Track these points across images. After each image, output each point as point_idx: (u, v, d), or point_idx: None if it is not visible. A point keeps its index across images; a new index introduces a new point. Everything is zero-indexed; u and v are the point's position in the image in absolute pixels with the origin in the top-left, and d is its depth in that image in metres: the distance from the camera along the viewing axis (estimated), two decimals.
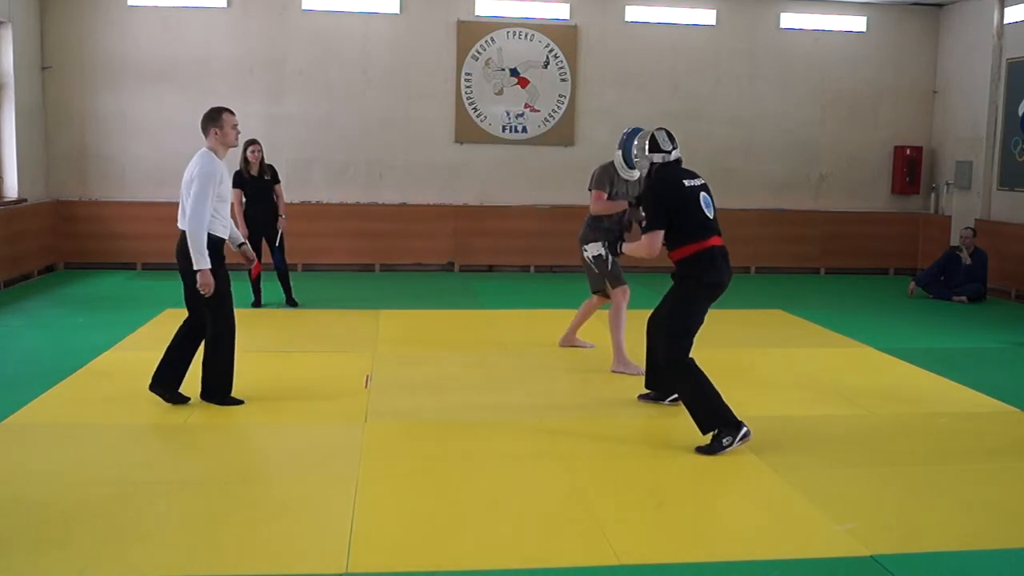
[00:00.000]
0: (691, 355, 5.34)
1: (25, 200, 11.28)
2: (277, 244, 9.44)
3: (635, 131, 6.90)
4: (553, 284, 11.72)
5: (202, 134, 5.89)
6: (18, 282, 10.90)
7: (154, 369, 5.92)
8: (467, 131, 12.68)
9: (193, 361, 6.04)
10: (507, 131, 12.76)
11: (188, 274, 5.82)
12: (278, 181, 9.47)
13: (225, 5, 12.15)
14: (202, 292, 5.72)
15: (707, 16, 12.93)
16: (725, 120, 12.83)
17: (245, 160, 9.29)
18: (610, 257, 6.87)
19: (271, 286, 9.65)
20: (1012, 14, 11.94)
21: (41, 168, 11.89)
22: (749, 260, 12.75)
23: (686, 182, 5.54)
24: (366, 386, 6.50)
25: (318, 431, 5.56)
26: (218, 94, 12.23)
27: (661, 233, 5.37)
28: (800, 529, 4.25)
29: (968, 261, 11.06)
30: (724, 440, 5.18)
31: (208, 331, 5.92)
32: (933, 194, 13.49)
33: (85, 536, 3.97)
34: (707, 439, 5.24)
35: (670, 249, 5.46)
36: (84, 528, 4.05)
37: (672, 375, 5.46)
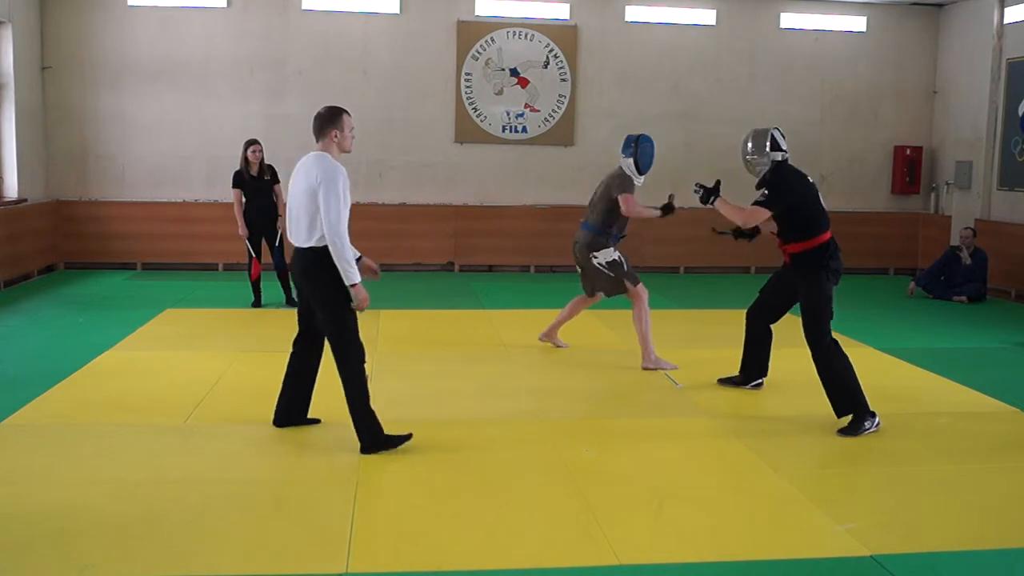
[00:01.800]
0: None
1: (25, 200, 11.28)
2: (277, 244, 9.46)
3: (644, 137, 7.13)
4: (553, 284, 11.71)
5: (315, 136, 5.12)
6: (18, 282, 10.90)
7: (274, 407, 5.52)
8: (467, 131, 12.68)
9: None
10: (507, 131, 12.76)
11: (319, 293, 5.08)
12: (277, 181, 9.49)
13: (225, 5, 12.15)
14: (357, 309, 5.08)
15: (707, 16, 12.94)
16: (725, 120, 12.83)
17: (245, 160, 9.31)
18: (624, 258, 7.07)
19: (271, 286, 9.65)
20: (1012, 14, 11.93)
21: (41, 168, 11.89)
22: (749, 260, 12.73)
23: (809, 178, 6.08)
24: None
25: (318, 431, 5.56)
26: (218, 94, 12.27)
27: (767, 214, 5.88)
28: (800, 529, 4.25)
29: (968, 261, 11.06)
30: (865, 423, 5.62)
31: (343, 369, 5.15)
32: (933, 194, 13.48)
33: (85, 536, 3.97)
34: (844, 422, 5.67)
35: (797, 241, 5.93)
36: (84, 528, 4.05)
37: (822, 359, 5.79)
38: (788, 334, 6.66)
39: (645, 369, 7.10)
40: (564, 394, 6.51)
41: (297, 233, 5.06)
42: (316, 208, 4.92)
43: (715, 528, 4.27)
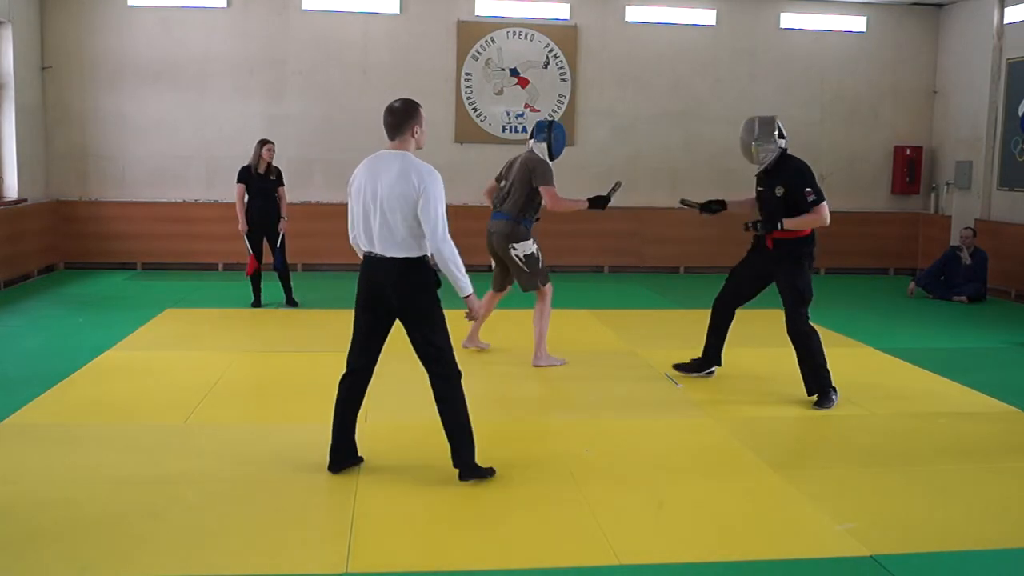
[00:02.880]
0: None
1: (25, 200, 11.28)
2: (279, 245, 9.48)
3: (557, 123, 7.09)
4: (553, 284, 11.70)
5: (391, 132, 4.66)
6: (18, 282, 10.90)
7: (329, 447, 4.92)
8: (467, 131, 12.68)
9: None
10: (507, 131, 12.76)
11: (422, 308, 4.63)
12: (282, 184, 9.54)
13: (225, 5, 12.15)
14: (471, 319, 4.88)
15: (707, 16, 12.93)
16: (725, 120, 12.79)
17: (258, 156, 9.34)
18: (540, 254, 7.06)
19: (271, 286, 9.66)
20: (1012, 14, 11.93)
21: (41, 168, 11.89)
22: None
23: None
24: None
25: (318, 431, 5.54)
26: (218, 94, 12.27)
27: (824, 205, 6.09)
28: (800, 529, 4.25)
29: (968, 261, 11.06)
30: (832, 396, 6.18)
31: (443, 387, 4.72)
32: (933, 194, 13.48)
33: (85, 536, 3.97)
34: (813, 399, 6.18)
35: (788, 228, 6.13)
36: (84, 528, 4.05)
37: (804, 339, 6.16)
38: (784, 333, 6.65)
39: (536, 367, 7.09)
40: (564, 394, 6.51)
41: (387, 242, 4.53)
42: (415, 215, 4.48)
43: (715, 528, 4.26)
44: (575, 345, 7.91)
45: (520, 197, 6.97)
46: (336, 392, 4.86)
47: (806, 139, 13.30)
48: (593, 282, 12.09)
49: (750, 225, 6.34)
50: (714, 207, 6.56)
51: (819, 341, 6.22)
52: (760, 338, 7.99)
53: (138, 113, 12.13)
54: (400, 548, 3.97)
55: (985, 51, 12.30)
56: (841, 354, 7.87)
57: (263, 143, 9.40)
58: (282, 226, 9.48)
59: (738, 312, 6.86)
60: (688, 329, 8.95)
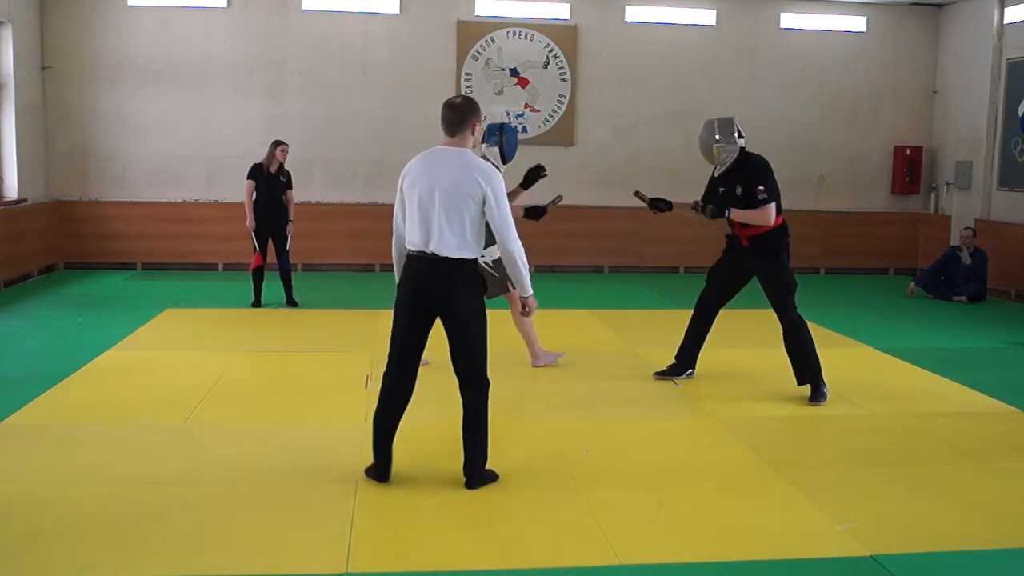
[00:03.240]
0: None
1: (25, 200, 11.28)
2: (286, 248, 9.56)
3: (508, 126, 6.96)
4: (553, 284, 11.71)
5: (450, 129, 4.54)
6: (18, 282, 10.90)
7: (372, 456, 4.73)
8: None
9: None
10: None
11: (472, 311, 4.49)
12: (291, 187, 9.59)
13: (225, 5, 12.15)
14: (527, 316, 4.88)
15: (707, 16, 12.94)
16: None
17: (272, 156, 9.39)
18: None
19: (271, 286, 9.66)
20: (1012, 14, 11.93)
21: (41, 168, 11.89)
22: None
23: None
24: (366, 386, 6.50)
25: (318, 431, 5.56)
26: (218, 94, 12.27)
27: (775, 207, 6.21)
28: (800, 529, 4.25)
29: (968, 261, 11.06)
30: (824, 389, 6.25)
31: (473, 397, 4.58)
32: (933, 194, 13.48)
33: (85, 536, 3.97)
34: (806, 394, 6.27)
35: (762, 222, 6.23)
36: (84, 528, 4.05)
37: (795, 330, 6.28)
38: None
39: (535, 367, 7.05)
40: (564, 394, 6.51)
41: (446, 242, 4.36)
42: (478, 215, 4.38)
43: (715, 528, 4.26)
44: (575, 345, 7.91)
45: None
46: (377, 403, 4.65)
47: (806, 139, 13.34)
48: (593, 282, 12.09)
49: (698, 206, 6.33)
50: (661, 206, 6.58)
51: (809, 331, 6.32)
52: (760, 338, 8.00)
53: (138, 113, 12.13)
54: (400, 548, 3.97)
55: (985, 51, 12.29)
56: (841, 354, 7.89)
57: (277, 144, 9.44)
58: (289, 229, 9.54)
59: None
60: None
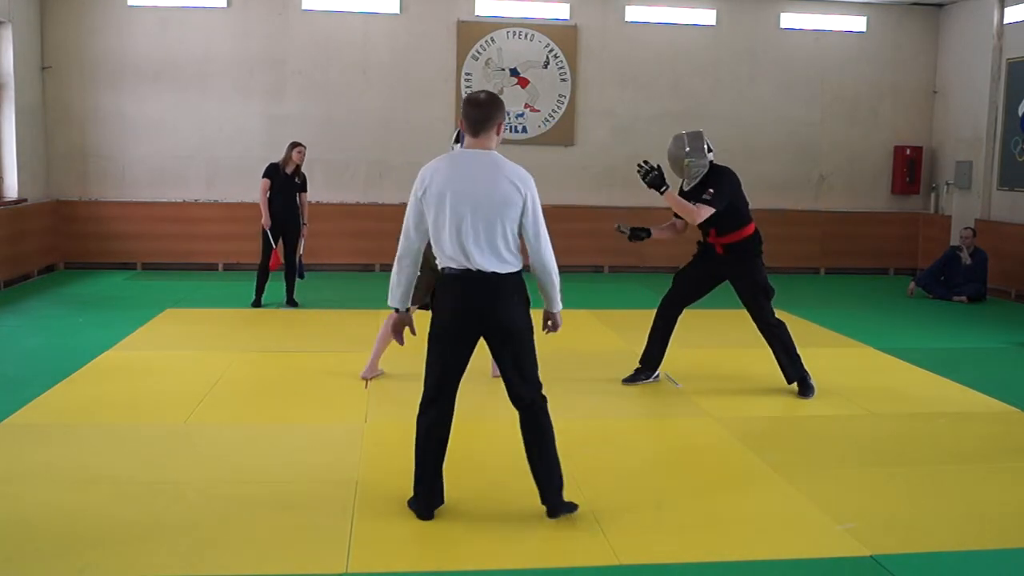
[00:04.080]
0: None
1: (25, 200, 11.28)
2: (300, 251, 9.61)
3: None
4: None
5: (475, 128, 4.08)
6: (18, 282, 10.90)
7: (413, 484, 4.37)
8: None
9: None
10: (507, 131, 12.71)
11: (521, 328, 4.17)
12: (305, 189, 9.64)
13: (225, 5, 12.15)
14: (549, 332, 4.42)
15: (707, 16, 12.93)
16: (725, 120, 12.82)
17: (288, 157, 9.44)
18: None
19: (271, 285, 9.64)
20: (1012, 14, 11.93)
21: (41, 168, 11.89)
22: None
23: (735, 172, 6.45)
24: (366, 386, 6.50)
25: (318, 431, 5.56)
26: (218, 94, 12.27)
27: (711, 212, 6.15)
28: (800, 529, 4.25)
29: (968, 261, 11.06)
30: (811, 381, 6.42)
31: (531, 416, 4.23)
32: (933, 194, 13.48)
33: (85, 536, 3.97)
34: (795, 389, 6.43)
35: (731, 231, 6.32)
36: (84, 528, 4.05)
37: (775, 333, 6.43)
38: (798, 336, 6.67)
39: (495, 377, 6.79)
40: (564, 394, 6.50)
41: (489, 255, 4.01)
42: (519, 223, 4.06)
43: (715, 528, 4.26)
44: (575, 345, 7.90)
45: None
46: (418, 444, 4.24)
47: (806, 139, 13.35)
48: (593, 282, 12.09)
49: (644, 169, 6.15)
50: (642, 235, 6.54)
51: (788, 331, 6.48)
52: (760, 339, 8.01)
53: (138, 113, 12.13)
54: (400, 548, 3.97)
55: (985, 51, 12.29)
56: (841, 354, 7.89)
57: (294, 145, 9.50)
58: (303, 232, 9.60)
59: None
60: (688, 329, 8.95)
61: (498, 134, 4.10)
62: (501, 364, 4.22)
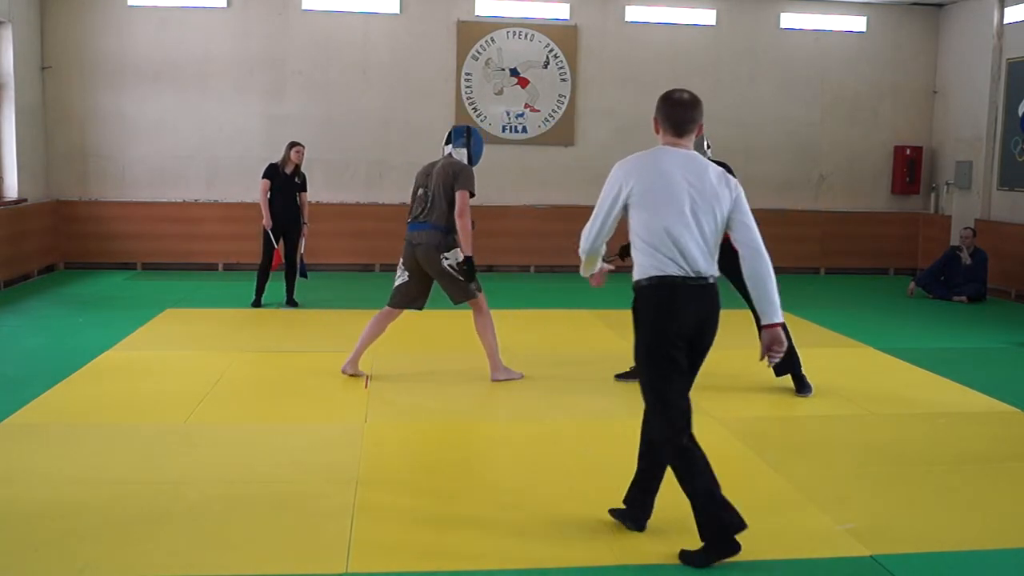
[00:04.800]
0: None
1: (25, 200, 11.28)
2: (301, 250, 9.61)
3: (472, 129, 6.74)
4: (553, 284, 11.72)
5: (683, 128, 3.88)
6: (18, 282, 10.90)
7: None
8: None
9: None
10: (507, 131, 12.76)
11: (713, 340, 3.96)
12: (305, 189, 9.65)
13: (225, 5, 12.15)
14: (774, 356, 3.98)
15: (707, 16, 12.94)
16: (725, 120, 12.80)
17: (287, 158, 9.46)
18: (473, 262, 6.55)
19: (271, 286, 9.64)
20: (1012, 14, 11.94)
21: (41, 168, 11.89)
22: None
23: None
24: (366, 386, 6.50)
25: (318, 431, 5.56)
26: (218, 94, 12.27)
27: None
28: (800, 529, 4.25)
29: (968, 261, 11.06)
30: (806, 379, 6.44)
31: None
32: (933, 194, 13.49)
33: (85, 536, 3.97)
34: (793, 387, 6.45)
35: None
36: (84, 528, 4.05)
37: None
38: (798, 336, 6.66)
39: (495, 381, 6.69)
40: (564, 394, 6.51)
41: (708, 261, 3.80)
42: (723, 225, 3.85)
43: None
44: (576, 345, 7.92)
45: (445, 204, 6.45)
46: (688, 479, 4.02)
47: (806, 139, 13.35)
48: None
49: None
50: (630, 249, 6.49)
51: (786, 330, 6.43)
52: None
53: (138, 113, 12.14)
54: (400, 548, 3.97)
55: (985, 51, 12.30)
56: (841, 354, 7.89)
57: (292, 145, 9.52)
58: (304, 232, 9.61)
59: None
60: None
61: (697, 136, 3.93)
62: (689, 380, 4.00)
